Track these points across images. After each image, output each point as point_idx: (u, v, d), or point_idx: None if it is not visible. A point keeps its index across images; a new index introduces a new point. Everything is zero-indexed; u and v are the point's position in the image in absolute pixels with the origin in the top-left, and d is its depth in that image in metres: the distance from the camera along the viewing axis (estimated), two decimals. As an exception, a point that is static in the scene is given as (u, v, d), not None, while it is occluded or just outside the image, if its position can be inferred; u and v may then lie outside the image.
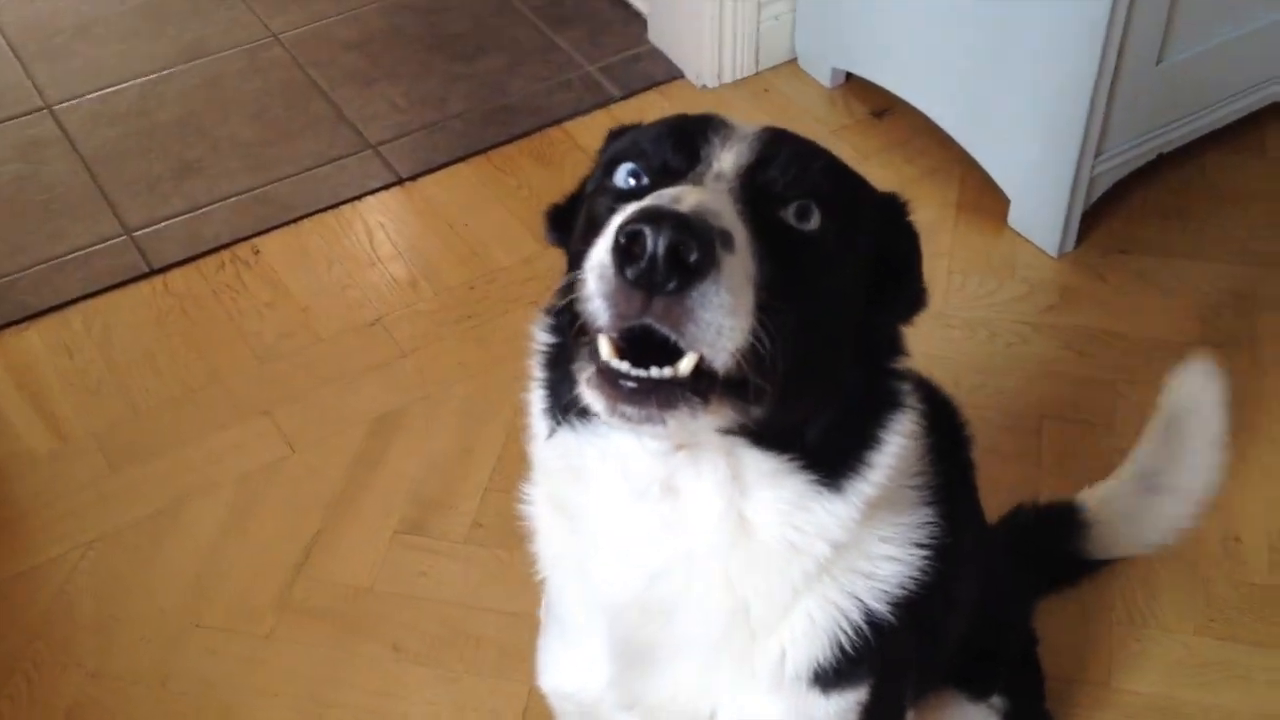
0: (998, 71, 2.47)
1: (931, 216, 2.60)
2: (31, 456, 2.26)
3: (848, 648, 1.18)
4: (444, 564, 2.07)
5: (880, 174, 2.70)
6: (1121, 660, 1.91)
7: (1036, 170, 2.48)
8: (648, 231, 0.87)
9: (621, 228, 0.89)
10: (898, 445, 1.12)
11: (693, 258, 0.88)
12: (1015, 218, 2.57)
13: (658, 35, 3.12)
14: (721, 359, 0.92)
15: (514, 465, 2.21)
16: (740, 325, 0.91)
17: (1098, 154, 2.43)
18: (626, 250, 0.89)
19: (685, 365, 0.93)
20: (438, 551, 2.09)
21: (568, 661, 1.31)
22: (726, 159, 1.03)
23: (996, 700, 1.58)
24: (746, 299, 0.92)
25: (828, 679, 1.21)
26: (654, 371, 0.93)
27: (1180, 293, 2.46)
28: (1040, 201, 2.50)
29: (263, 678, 1.93)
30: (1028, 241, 2.55)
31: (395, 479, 2.20)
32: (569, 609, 1.29)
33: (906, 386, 1.15)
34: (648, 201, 0.92)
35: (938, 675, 1.48)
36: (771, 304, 0.94)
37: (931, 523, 1.20)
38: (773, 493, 1.09)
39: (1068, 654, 1.91)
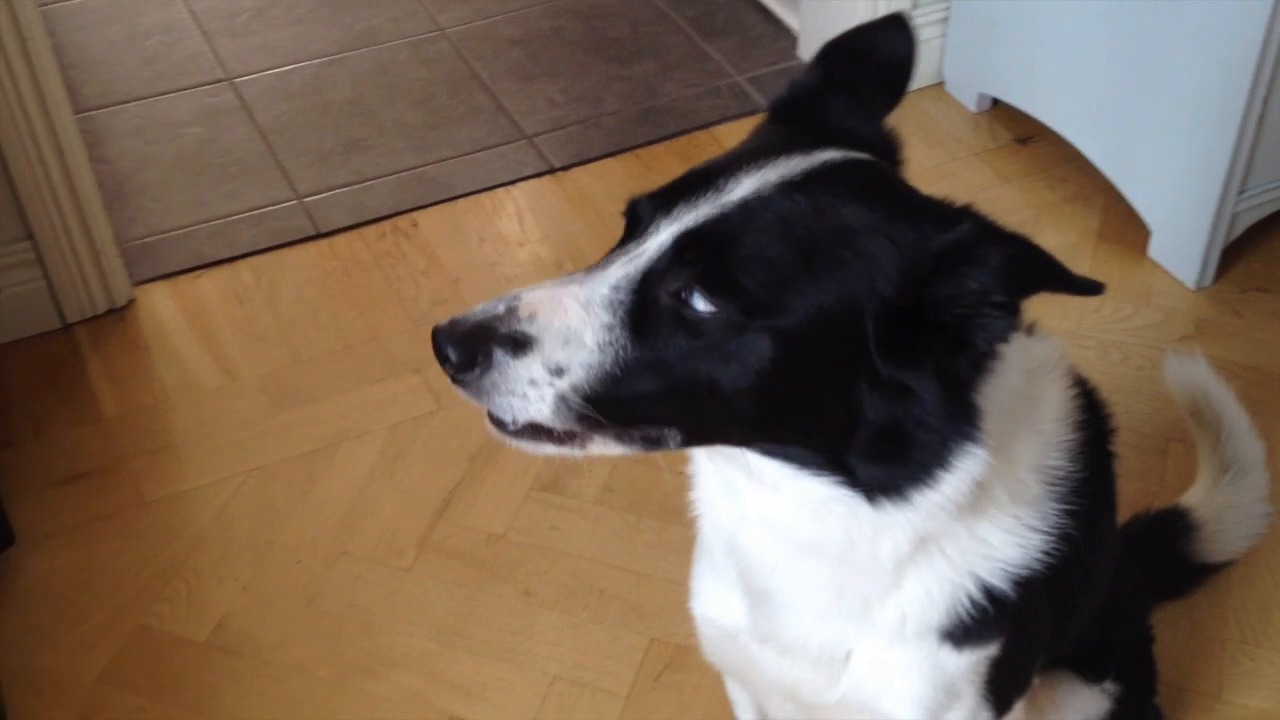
0: (1146, 105, 2.52)
1: (1072, 241, 2.64)
2: (200, 389, 2.43)
3: (971, 615, 1.24)
4: (575, 521, 2.18)
5: (1021, 199, 2.77)
6: (1233, 676, 1.94)
7: (1179, 204, 2.52)
8: (439, 337, 1.10)
9: (433, 330, 1.11)
10: (960, 480, 1.11)
11: (449, 367, 1.09)
12: (1155, 249, 2.61)
13: (807, 51, 3.22)
14: (522, 421, 1.11)
15: (647, 439, 2.31)
16: (524, 408, 1.09)
17: (1241, 191, 2.46)
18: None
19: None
20: (569, 509, 2.20)
21: (714, 591, 1.40)
22: (665, 232, 1.09)
23: (1109, 686, 1.62)
24: (541, 388, 1.08)
25: (956, 636, 1.27)
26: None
27: (1315, 335, 2.48)
28: (1181, 235, 2.54)
29: (402, 605, 2.05)
30: (1166, 272, 2.58)
31: (533, 441, 2.31)
32: (712, 544, 1.38)
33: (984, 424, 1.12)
34: (471, 309, 1.11)
35: (1064, 649, 1.53)
36: (610, 378, 1.08)
37: (1063, 511, 1.24)
38: (794, 493, 1.15)
39: (1181, 665, 1.94)
